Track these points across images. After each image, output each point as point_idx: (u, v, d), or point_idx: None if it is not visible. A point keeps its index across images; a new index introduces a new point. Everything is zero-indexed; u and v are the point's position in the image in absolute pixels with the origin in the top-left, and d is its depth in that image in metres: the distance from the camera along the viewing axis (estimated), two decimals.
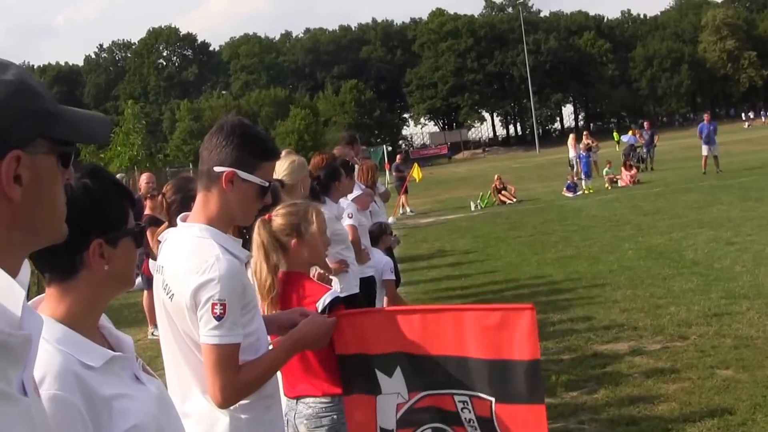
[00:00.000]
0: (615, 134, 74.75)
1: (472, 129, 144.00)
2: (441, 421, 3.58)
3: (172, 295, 3.34)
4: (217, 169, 3.31)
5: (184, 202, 4.56)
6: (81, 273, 2.34)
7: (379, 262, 9.28)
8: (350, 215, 8.13)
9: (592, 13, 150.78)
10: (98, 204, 2.37)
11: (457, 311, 3.93)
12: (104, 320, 2.47)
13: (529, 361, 3.49)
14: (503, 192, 31.05)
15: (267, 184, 3.42)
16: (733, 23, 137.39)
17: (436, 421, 3.58)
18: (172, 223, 4.04)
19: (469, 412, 3.54)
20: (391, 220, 27.44)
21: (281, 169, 6.62)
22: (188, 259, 3.31)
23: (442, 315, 3.80)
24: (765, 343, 8.70)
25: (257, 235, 4.02)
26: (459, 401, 3.54)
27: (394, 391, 3.60)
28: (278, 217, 4.14)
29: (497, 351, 3.54)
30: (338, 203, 8.34)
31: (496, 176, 33.18)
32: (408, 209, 31.23)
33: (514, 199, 30.37)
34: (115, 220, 2.41)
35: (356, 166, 10.39)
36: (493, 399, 3.51)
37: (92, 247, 2.33)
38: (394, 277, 9.47)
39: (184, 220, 3.49)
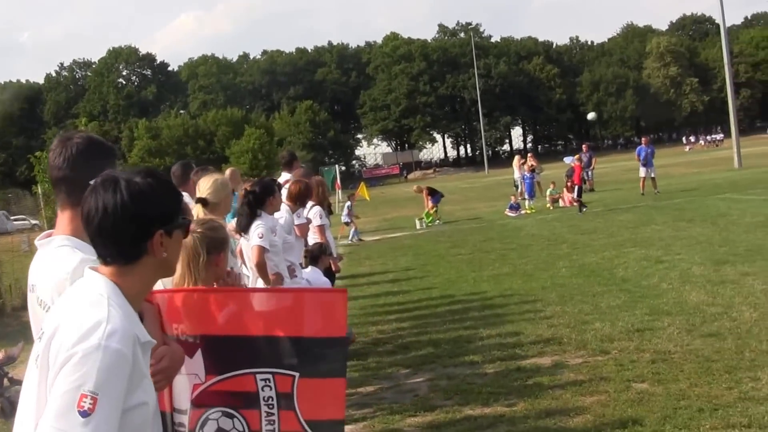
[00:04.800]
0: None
1: (424, 150, 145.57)
2: (233, 405, 3.63)
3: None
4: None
5: None
6: (143, 258, 2.76)
7: (317, 281, 9.41)
8: (260, 235, 8.16)
9: (541, 39, 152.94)
10: (160, 199, 2.79)
11: (266, 292, 4.04)
12: None
13: (336, 337, 3.65)
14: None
15: None
16: (676, 51, 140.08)
17: (227, 405, 3.63)
18: None
19: (270, 389, 3.61)
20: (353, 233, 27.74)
21: (205, 187, 6.73)
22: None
23: (251, 295, 3.94)
24: (682, 357, 8.88)
25: (185, 247, 3.95)
26: (261, 379, 3.61)
27: (192, 372, 3.63)
28: (207, 230, 4.16)
29: (305, 329, 3.70)
30: (273, 216, 8.51)
31: (415, 187, 34.19)
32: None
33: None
34: (172, 214, 2.83)
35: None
36: (296, 374, 3.62)
37: (156, 237, 2.75)
38: None
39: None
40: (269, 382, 3.63)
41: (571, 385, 8.40)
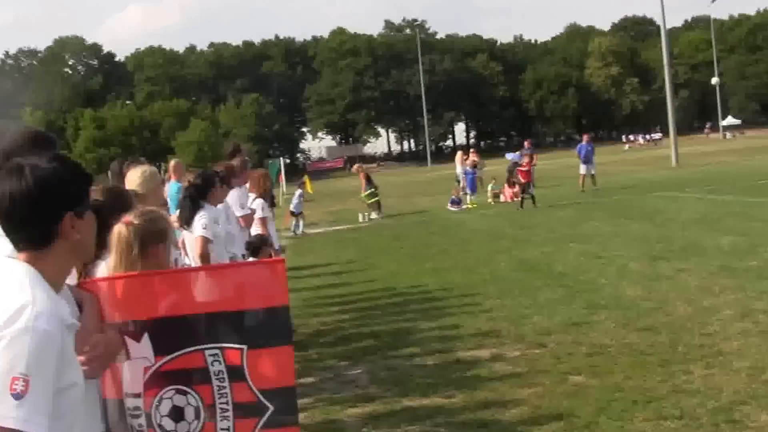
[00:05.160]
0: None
1: (368, 144, 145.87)
2: (184, 382, 3.69)
3: None
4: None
5: None
6: (56, 242, 2.78)
7: None
8: (204, 226, 8.19)
9: (485, 36, 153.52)
10: (66, 183, 2.80)
11: (206, 270, 4.11)
12: None
13: (278, 306, 3.75)
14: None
15: None
16: (618, 51, 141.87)
17: (179, 383, 3.68)
18: None
19: (220, 363, 3.68)
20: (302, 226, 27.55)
21: (133, 179, 6.73)
22: None
23: (192, 274, 4.03)
24: (617, 351, 9.04)
25: (119, 239, 3.97)
26: (209, 355, 3.68)
27: (141, 356, 3.67)
28: (145, 222, 4.15)
29: (248, 302, 3.80)
30: (216, 207, 8.53)
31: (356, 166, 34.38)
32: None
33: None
34: (80, 196, 2.86)
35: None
36: (245, 347, 3.70)
37: (65, 220, 2.76)
38: None
39: None
40: (218, 357, 3.70)
41: (508, 377, 8.52)
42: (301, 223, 28.03)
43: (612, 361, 8.68)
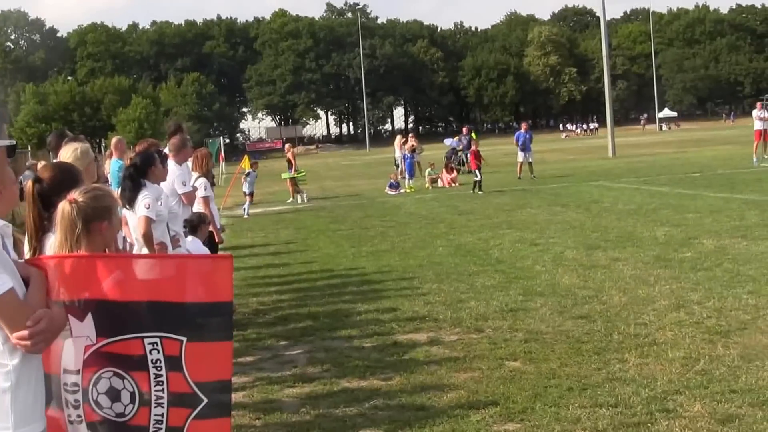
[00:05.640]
0: (473, 134, 76.63)
1: (308, 126, 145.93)
2: (123, 367, 3.71)
3: None
4: None
5: None
6: None
7: (197, 251, 9.38)
8: (147, 206, 8.11)
9: (426, 22, 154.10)
10: None
11: (154, 258, 4.13)
12: None
13: (222, 302, 3.78)
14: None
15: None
16: (557, 40, 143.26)
17: (117, 367, 3.70)
18: None
19: (158, 352, 3.70)
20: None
21: (65, 156, 6.64)
22: None
23: (138, 262, 4.05)
24: (553, 337, 9.13)
25: (63, 216, 3.93)
26: (148, 343, 3.70)
27: (83, 334, 3.68)
28: (89, 199, 4.09)
29: (192, 295, 3.82)
30: (157, 185, 8.46)
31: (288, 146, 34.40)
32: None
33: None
34: None
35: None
36: (184, 339, 3.72)
37: None
38: None
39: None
40: (157, 345, 3.71)
41: (445, 361, 8.54)
42: (247, 203, 27.60)
43: (548, 347, 8.75)
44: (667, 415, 6.61)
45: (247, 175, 28.72)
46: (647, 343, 8.61)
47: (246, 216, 26.43)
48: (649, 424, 6.44)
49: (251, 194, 28.07)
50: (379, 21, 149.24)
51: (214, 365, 3.83)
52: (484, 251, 15.62)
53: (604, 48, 53.67)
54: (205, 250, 9.95)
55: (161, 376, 3.72)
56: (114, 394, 3.72)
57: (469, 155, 30.64)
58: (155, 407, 3.73)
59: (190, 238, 9.96)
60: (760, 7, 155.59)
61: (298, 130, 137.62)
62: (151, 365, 3.71)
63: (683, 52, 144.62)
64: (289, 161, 32.71)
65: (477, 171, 29.00)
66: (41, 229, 4.25)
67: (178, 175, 9.87)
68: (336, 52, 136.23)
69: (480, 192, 27.94)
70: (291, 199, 31.04)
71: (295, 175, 31.80)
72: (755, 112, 37.16)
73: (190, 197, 10.18)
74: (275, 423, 7.14)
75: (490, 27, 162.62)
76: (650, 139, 74.96)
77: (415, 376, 8.13)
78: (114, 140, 14.35)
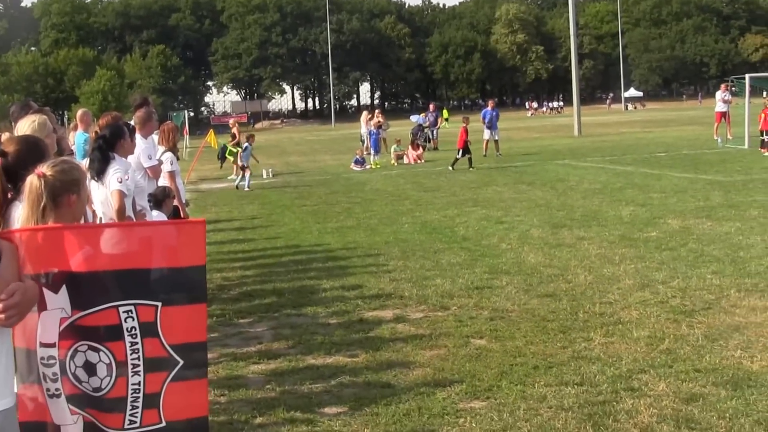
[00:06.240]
0: (445, 111, 77.26)
1: (273, 100, 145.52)
2: (97, 339, 3.72)
3: None
4: None
5: None
6: None
7: None
8: (119, 180, 8.02)
9: None
10: None
11: (125, 227, 4.15)
12: None
13: (196, 266, 3.80)
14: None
15: None
16: (525, 18, 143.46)
17: (92, 340, 3.72)
18: None
19: (133, 320, 3.73)
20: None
21: (23, 129, 6.53)
22: None
23: (110, 231, 4.04)
24: (519, 315, 9.15)
25: (31, 189, 3.91)
26: (123, 311, 3.72)
27: (58, 307, 3.67)
28: (57, 173, 4.05)
29: (166, 260, 3.84)
30: (125, 159, 8.38)
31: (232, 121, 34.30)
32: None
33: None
34: None
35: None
36: (159, 303, 3.77)
37: None
38: None
39: None
40: (131, 313, 3.74)
41: (411, 338, 8.54)
42: (248, 175, 26.98)
43: (514, 326, 8.77)
44: (632, 393, 6.65)
45: (245, 149, 28.15)
46: (612, 322, 8.67)
47: (247, 189, 25.98)
48: (614, 403, 6.47)
49: (245, 167, 27.39)
50: None
51: (189, 327, 3.88)
52: (450, 229, 15.65)
53: (571, 27, 53.66)
54: None
55: (137, 343, 3.75)
56: (90, 368, 3.73)
57: (459, 132, 30.37)
58: (132, 376, 3.76)
59: (155, 212, 9.88)
60: None
61: (264, 105, 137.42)
62: (126, 333, 3.74)
63: (650, 33, 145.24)
64: (233, 135, 32.49)
65: (463, 150, 28.71)
66: (5, 203, 4.18)
67: (144, 149, 9.76)
68: (303, 26, 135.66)
69: (471, 168, 27.74)
70: (234, 175, 30.41)
71: (231, 149, 31.46)
72: (719, 94, 37.59)
73: (155, 171, 10.08)
74: (240, 399, 7.11)
75: (458, 4, 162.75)
76: (616, 118, 75.26)
77: (380, 354, 8.12)
78: (79, 113, 14.20)
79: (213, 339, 8.81)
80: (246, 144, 28.41)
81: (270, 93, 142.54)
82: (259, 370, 7.86)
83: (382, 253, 13.42)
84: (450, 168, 28.12)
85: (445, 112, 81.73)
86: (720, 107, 37.05)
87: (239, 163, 27.84)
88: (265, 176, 29.96)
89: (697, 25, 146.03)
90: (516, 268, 11.63)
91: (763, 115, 29.15)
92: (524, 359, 7.65)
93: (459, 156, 28.49)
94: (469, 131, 29.09)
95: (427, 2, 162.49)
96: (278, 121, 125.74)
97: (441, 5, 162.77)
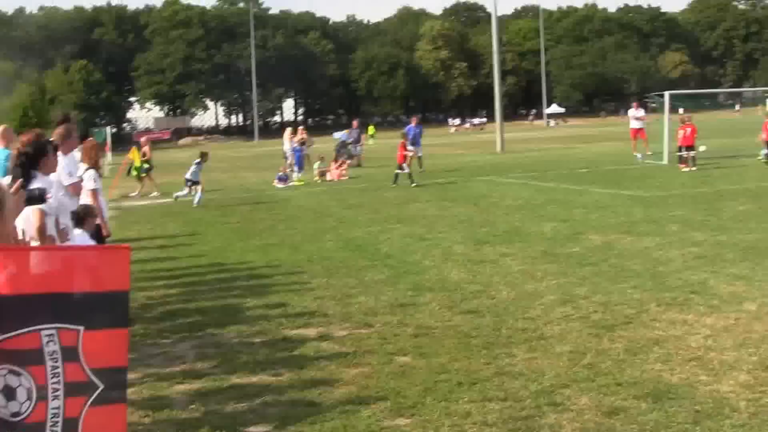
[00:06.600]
0: (371, 128, 77.94)
1: (196, 116, 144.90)
2: (19, 362, 3.69)
3: None
4: None
5: None
6: None
7: (83, 244, 9.16)
8: None
9: (318, 14, 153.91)
10: None
11: (49, 250, 4.13)
12: None
13: (119, 291, 3.79)
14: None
15: None
16: (448, 35, 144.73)
17: (13, 363, 3.69)
18: None
19: (55, 344, 3.71)
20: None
21: None
22: None
23: (32, 254, 4.02)
24: (442, 332, 9.19)
25: None
26: (45, 335, 3.70)
27: None
28: None
29: (91, 284, 3.84)
30: (48, 177, 8.25)
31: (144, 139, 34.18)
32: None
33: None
34: None
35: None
36: (81, 327, 3.76)
37: None
38: None
39: None
40: (53, 337, 3.71)
41: (336, 356, 8.54)
42: (198, 192, 26.51)
43: (437, 342, 8.81)
44: (555, 408, 6.73)
45: (197, 164, 27.42)
46: (535, 338, 8.76)
47: (195, 202, 25.57)
48: (537, 418, 6.54)
49: (196, 183, 26.84)
50: (271, 12, 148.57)
51: (111, 352, 3.87)
52: (373, 246, 15.68)
53: (494, 43, 54.18)
54: (92, 243, 9.73)
55: (58, 368, 3.72)
56: (10, 393, 3.68)
57: (398, 148, 30.23)
58: (52, 400, 3.72)
59: (77, 230, 9.74)
60: (646, 7, 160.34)
61: (187, 121, 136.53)
62: (47, 357, 3.70)
63: (572, 50, 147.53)
64: (144, 154, 32.21)
65: (404, 165, 28.69)
66: None
67: (65, 166, 9.63)
68: (227, 42, 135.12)
69: (414, 184, 27.63)
70: (155, 192, 30.49)
71: (136, 166, 31.31)
72: (631, 112, 38.59)
73: (76, 188, 9.96)
74: (164, 420, 7.04)
75: (382, 20, 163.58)
76: (538, 134, 76.14)
77: (305, 372, 8.11)
78: (1, 129, 13.99)
79: (136, 359, 8.70)
80: (198, 160, 27.76)
81: (193, 109, 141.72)
82: (183, 390, 7.79)
83: (305, 271, 13.40)
84: (413, 185, 27.72)
85: (370, 129, 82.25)
86: (634, 124, 37.93)
87: (151, 179, 27.61)
88: (184, 193, 29.64)
89: (618, 42, 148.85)
90: (439, 285, 11.70)
91: (681, 132, 29.75)
92: (448, 376, 7.68)
93: (402, 171, 28.44)
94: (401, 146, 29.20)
95: (351, 18, 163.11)
96: (201, 138, 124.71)
97: (365, 21, 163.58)
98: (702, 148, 32.54)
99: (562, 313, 9.69)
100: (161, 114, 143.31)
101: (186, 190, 26.43)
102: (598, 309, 9.82)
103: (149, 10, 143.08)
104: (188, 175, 26.87)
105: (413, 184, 27.48)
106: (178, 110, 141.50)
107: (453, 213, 19.85)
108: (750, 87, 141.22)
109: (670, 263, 12.39)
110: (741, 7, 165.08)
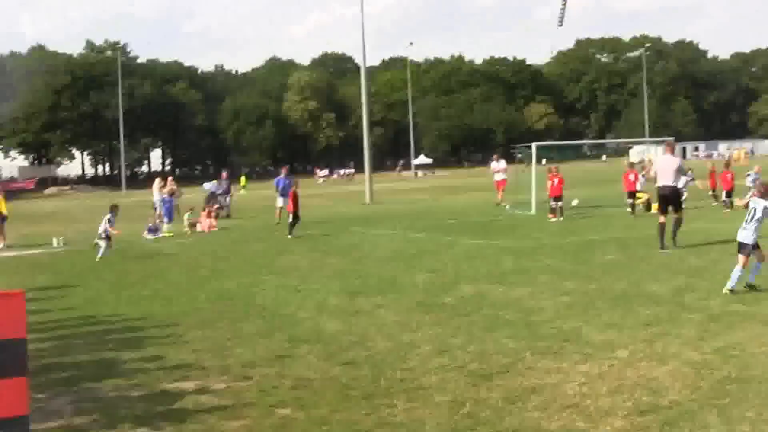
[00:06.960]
0: (243, 179, 77.64)
1: (63, 166, 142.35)
2: None
3: None
4: None
5: None
6: None
7: None
8: None
9: (186, 64, 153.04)
10: None
11: None
12: None
13: (14, 339, 3.78)
14: None
15: None
16: (316, 86, 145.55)
17: None
18: None
19: None
20: None
21: None
22: None
23: None
24: (321, 384, 9.26)
25: None
26: None
27: None
28: None
29: None
30: None
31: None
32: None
33: None
34: None
35: None
36: None
37: None
38: None
39: None
40: None
41: (215, 409, 8.51)
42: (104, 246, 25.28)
43: (317, 394, 8.87)
44: None
45: (110, 217, 25.96)
46: (414, 388, 8.89)
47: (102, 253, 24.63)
48: None
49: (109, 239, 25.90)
50: (139, 61, 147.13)
51: (9, 401, 3.81)
52: (247, 297, 15.70)
53: (363, 95, 54.79)
54: None
55: None
56: None
57: (287, 198, 29.88)
58: None
59: None
60: (512, 59, 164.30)
61: (53, 170, 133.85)
62: None
63: (439, 101, 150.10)
64: None
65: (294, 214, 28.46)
66: None
67: None
68: (94, 90, 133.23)
69: (289, 236, 27.51)
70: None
71: None
72: (493, 165, 39.78)
73: None
74: None
75: (250, 70, 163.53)
76: (406, 185, 77.08)
77: (185, 426, 8.06)
78: None
79: None
80: (110, 214, 26.35)
81: (59, 158, 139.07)
82: None
83: (180, 323, 13.30)
84: (289, 236, 27.55)
85: (242, 180, 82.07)
86: (498, 176, 39.02)
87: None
88: (56, 244, 29.10)
89: (485, 94, 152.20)
90: (315, 336, 11.77)
91: (549, 183, 30.52)
92: (330, 427, 7.75)
93: (292, 220, 28.27)
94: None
95: (220, 68, 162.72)
96: (67, 187, 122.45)
97: (234, 71, 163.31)
98: (575, 202, 33.60)
99: (439, 363, 9.86)
100: (26, 163, 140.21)
101: (104, 244, 24.99)
102: (474, 358, 10.02)
103: (14, 57, 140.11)
104: (100, 230, 25.92)
105: (289, 236, 27.49)
106: (44, 159, 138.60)
107: (325, 264, 19.98)
108: (613, 137, 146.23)
109: (542, 312, 12.73)
110: (604, 60, 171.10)
